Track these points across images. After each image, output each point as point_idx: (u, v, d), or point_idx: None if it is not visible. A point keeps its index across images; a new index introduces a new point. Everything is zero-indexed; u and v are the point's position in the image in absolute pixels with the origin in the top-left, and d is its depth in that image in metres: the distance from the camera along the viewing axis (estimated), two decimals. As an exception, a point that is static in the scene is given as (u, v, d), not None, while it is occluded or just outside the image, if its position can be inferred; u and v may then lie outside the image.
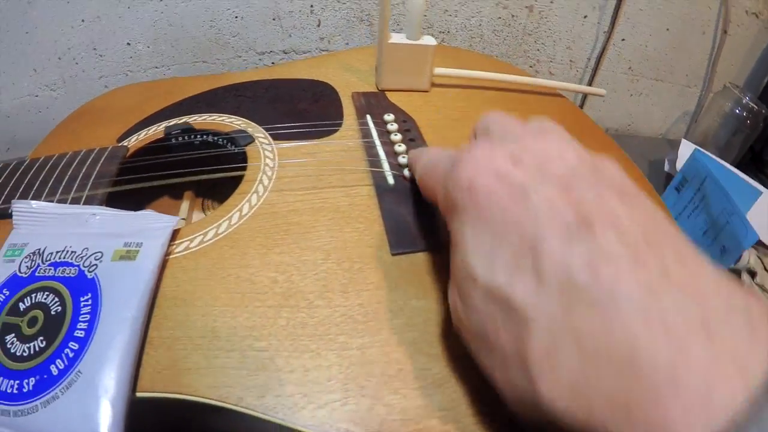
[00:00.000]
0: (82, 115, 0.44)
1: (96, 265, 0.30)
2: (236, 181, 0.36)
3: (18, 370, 0.26)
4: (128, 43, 0.55)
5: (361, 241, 0.31)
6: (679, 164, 0.58)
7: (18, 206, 0.33)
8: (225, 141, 0.39)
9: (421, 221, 0.32)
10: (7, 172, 0.37)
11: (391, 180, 0.34)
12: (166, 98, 0.44)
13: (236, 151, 0.37)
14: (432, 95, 0.45)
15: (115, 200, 0.35)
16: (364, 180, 0.35)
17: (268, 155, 0.36)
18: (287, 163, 0.36)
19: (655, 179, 0.62)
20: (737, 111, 0.63)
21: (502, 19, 0.62)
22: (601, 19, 0.64)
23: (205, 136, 0.39)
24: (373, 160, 0.36)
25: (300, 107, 0.42)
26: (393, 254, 0.30)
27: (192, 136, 0.39)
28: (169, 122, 0.40)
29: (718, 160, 0.57)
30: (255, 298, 0.28)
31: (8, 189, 0.36)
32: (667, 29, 0.65)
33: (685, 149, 0.60)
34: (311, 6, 0.56)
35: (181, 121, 0.39)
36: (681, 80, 0.71)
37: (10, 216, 0.33)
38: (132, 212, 0.33)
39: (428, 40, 0.43)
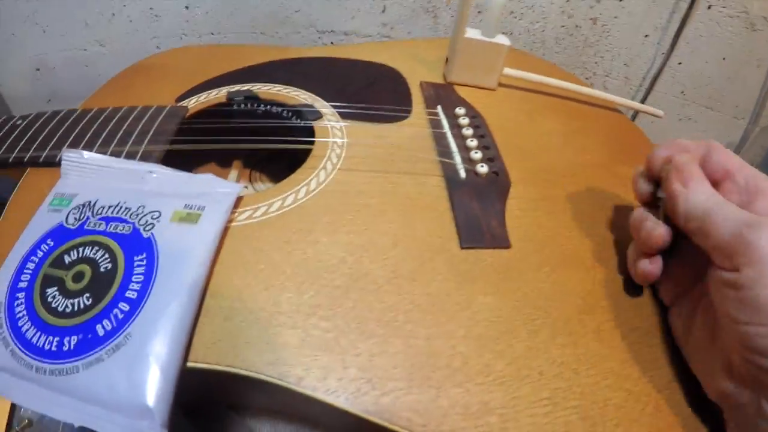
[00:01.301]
0: (137, 71, 0.43)
1: (153, 224, 0.29)
2: (291, 157, 0.35)
3: (59, 326, 0.25)
4: (186, 7, 0.54)
5: (430, 231, 0.30)
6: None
7: (69, 155, 0.32)
8: (291, 114, 0.38)
9: (491, 219, 0.31)
10: (56, 119, 0.36)
11: (462, 174, 0.33)
12: (228, 64, 0.43)
13: (302, 125, 0.36)
14: (498, 94, 0.44)
15: (163, 161, 0.34)
16: (434, 170, 0.34)
17: (337, 133, 0.35)
18: (356, 143, 0.35)
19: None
20: (782, 149, 0.62)
21: (565, 28, 0.62)
22: (661, 39, 0.63)
23: (269, 107, 0.38)
24: (444, 151, 0.35)
25: (367, 89, 0.41)
26: (462, 248, 0.29)
27: (256, 105, 0.38)
28: (232, 88, 0.39)
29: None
30: (322, 277, 0.27)
31: (57, 137, 0.34)
32: (724, 58, 0.64)
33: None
34: (379, -9, 0.55)
35: (245, 89, 0.38)
36: (730, 111, 0.70)
37: (57, 164, 0.32)
38: (192, 174, 0.31)
39: (502, 39, 0.42)
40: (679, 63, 0.65)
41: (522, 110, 0.42)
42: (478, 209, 0.31)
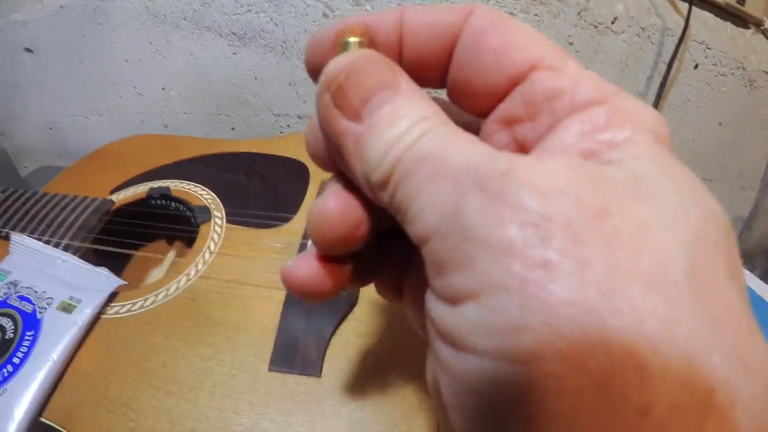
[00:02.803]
0: (94, 158, 0.51)
1: (45, 308, 0.36)
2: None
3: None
4: (163, 88, 0.61)
5: (249, 348, 0.33)
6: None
7: (14, 239, 0.40)
8: (190, 214, 0.43)
9: (311, 343, 0.33)
10: (21, 199, 0.44)
11: (301, 290, 0.37)
12: (168, 155, 0.49)
13: (194, 226, 0.42)
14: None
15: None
16: (280, 284, 0.37)
17: (215, 238, 0.40)
18: (227, 252, 0.40)
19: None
20: (798, 219, 0.53)
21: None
22: (641, 109, 0.58)
23: (177, 203, 0.44)
24: (298, 265, 0.39)
25: (267, 189, 0.45)
26: (270, 370, 0.32)
27: (168, 201, 0.44)
28: (155, 184, 0.46)
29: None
30: (144, 375, 0.32)
31: (15, 219, 0.42)
32: (720, 123, 0.56)
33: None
34: (327, 76, 0.59)
35: (164, 185, 0.45)
36: (734, 181, 0.61)
37: (7, 238, 0.40)
38: (89, 267, 0.38)
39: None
40: (668, 134, 0.59)
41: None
42: (302, 331, 0.34)
